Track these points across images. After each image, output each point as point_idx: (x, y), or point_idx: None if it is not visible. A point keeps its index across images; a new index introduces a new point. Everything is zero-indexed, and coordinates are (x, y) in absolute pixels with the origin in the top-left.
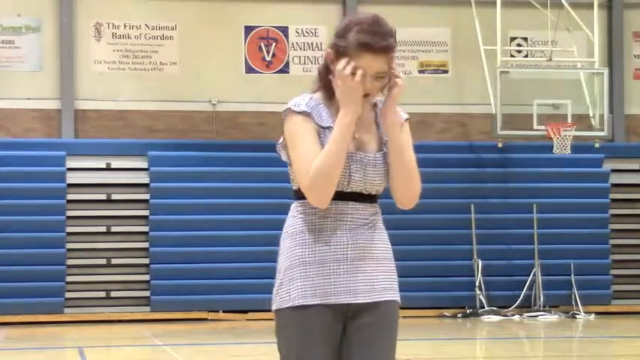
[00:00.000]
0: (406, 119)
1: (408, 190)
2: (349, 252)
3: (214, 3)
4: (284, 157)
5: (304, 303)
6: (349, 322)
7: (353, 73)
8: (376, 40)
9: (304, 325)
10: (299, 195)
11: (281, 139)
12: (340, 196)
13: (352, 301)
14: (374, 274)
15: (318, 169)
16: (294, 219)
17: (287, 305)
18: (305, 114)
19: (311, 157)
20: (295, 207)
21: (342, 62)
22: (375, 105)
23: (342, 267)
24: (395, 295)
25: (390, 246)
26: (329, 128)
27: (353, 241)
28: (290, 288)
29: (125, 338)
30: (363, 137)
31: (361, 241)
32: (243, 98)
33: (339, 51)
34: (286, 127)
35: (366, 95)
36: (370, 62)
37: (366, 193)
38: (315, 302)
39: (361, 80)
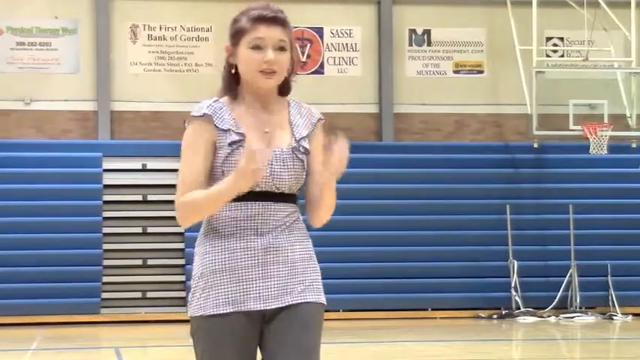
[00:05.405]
0: (319, 119)
1: (324, 214)
2: (260, 257)
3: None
4: None
5: (216, 312)
6: (265, 327)
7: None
8: (267, 12)
9: (216, 333)
10: None
11: None
12: (250, 196)
13: (263, 308)
14: (288, 278)
15: (190, 203)
16: (207, 224)
17: (200, 314)
18: (206, 117)
19: (192, 177)
20: None
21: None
22: (288, 104)
23: (253, 273)
24: (314, 297)
25: (310, 247)
26: (229, 131)
27: (264, 245)
28: (202, 296)
29: (161, 338)
30: (274, 132)
31: (274, 245)
32: None
33: (236, 34)
34: (184, 135)
35: (272, 72)
36: (267, 32)
37: (277, 191)
38: (228, 311)
39: (264, 56)
